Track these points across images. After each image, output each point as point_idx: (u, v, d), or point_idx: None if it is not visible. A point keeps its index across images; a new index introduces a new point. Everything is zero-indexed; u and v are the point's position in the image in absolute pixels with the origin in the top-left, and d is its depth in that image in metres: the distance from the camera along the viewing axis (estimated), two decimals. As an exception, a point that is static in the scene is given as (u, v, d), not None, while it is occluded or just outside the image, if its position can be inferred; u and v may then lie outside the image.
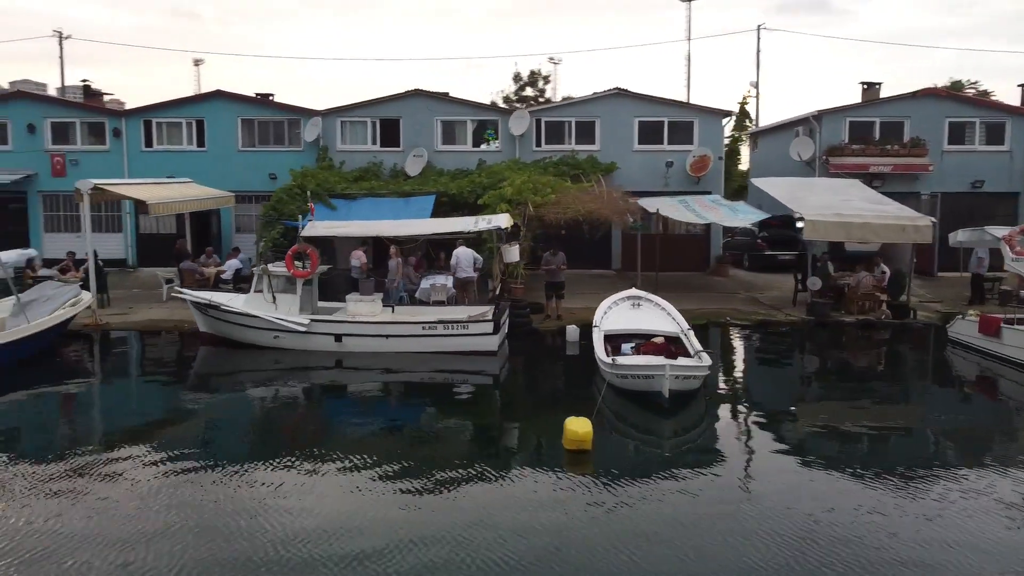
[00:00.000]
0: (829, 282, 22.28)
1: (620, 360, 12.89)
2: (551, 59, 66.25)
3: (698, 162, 28.18)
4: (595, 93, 29.27)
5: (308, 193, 21.69)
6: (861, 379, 16.41)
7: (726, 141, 32.40)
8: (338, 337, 16.88)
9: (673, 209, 23.39)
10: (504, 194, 22.33)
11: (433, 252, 22.60)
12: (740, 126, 44.39)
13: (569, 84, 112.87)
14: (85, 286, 19.46)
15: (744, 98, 51.36)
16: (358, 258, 21.28)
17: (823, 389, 15.98)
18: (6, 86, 44.18)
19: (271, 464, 10.23)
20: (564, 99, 29.91)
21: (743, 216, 23.99)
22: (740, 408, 13.80)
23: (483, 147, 28.73)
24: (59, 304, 17.46)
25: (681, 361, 13.17)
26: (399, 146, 28.45)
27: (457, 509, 8.83)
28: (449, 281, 20.36)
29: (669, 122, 28.72)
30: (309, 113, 28.35)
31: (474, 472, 10.06)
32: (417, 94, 28.54)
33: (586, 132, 28.74)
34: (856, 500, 9.11)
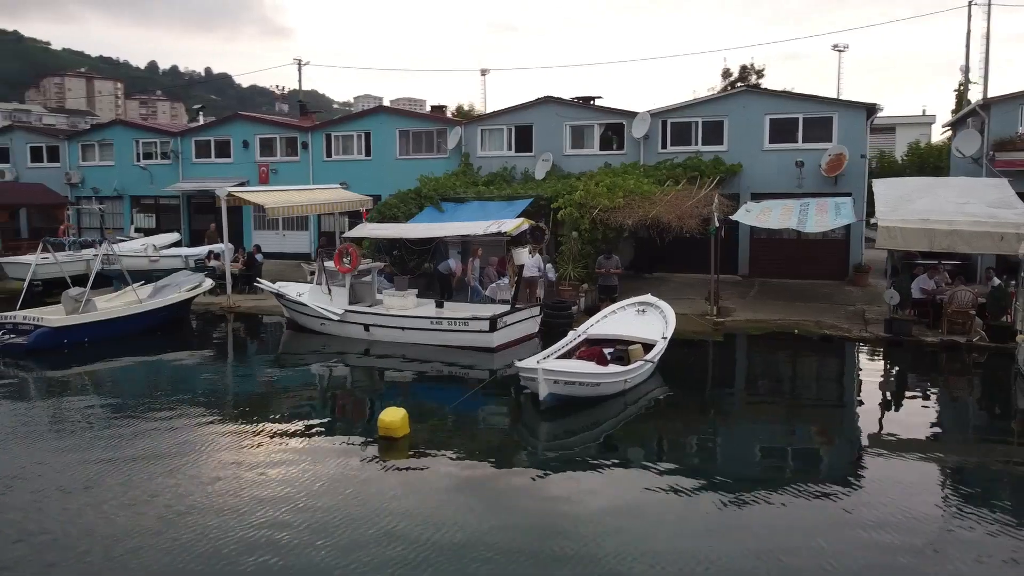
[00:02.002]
0: (926, 295, 19.94)
1: (517, 363, 13.45)
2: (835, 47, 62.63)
3: (833, 161, 26.12)
4: (724, 91, 28.29)
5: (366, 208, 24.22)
6: (813, 403, 14.97)
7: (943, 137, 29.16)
8: (367, 327, 19.11)
9: (745, 214, 22.29)
10: (574, 199, 22.97)
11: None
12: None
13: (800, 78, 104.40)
14: (251, 274, 24.09)
15: (961, 85, 44.86)
16: (452, 259, 23.56)
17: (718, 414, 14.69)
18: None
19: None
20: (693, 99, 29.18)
21: (841, 220, 22.10)
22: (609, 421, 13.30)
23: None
24: (186, 287, 21.83)
25: (560, 366, 13.37)
26: (531, 151, 29.98)
27: (268, 481, 10.51)
28: (504, 282, 21.72)
29: (804, 119, 26.91)
30: (453, 122, 31.00)
31: (289, 449, 11.66)
32: (547, 101, 29.85)
33: (713, 132, 27.96)
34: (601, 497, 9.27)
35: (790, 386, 16.82)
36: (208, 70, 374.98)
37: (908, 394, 15.92)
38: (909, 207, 20.14)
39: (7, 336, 17.91)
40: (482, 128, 30.86)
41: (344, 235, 20.06)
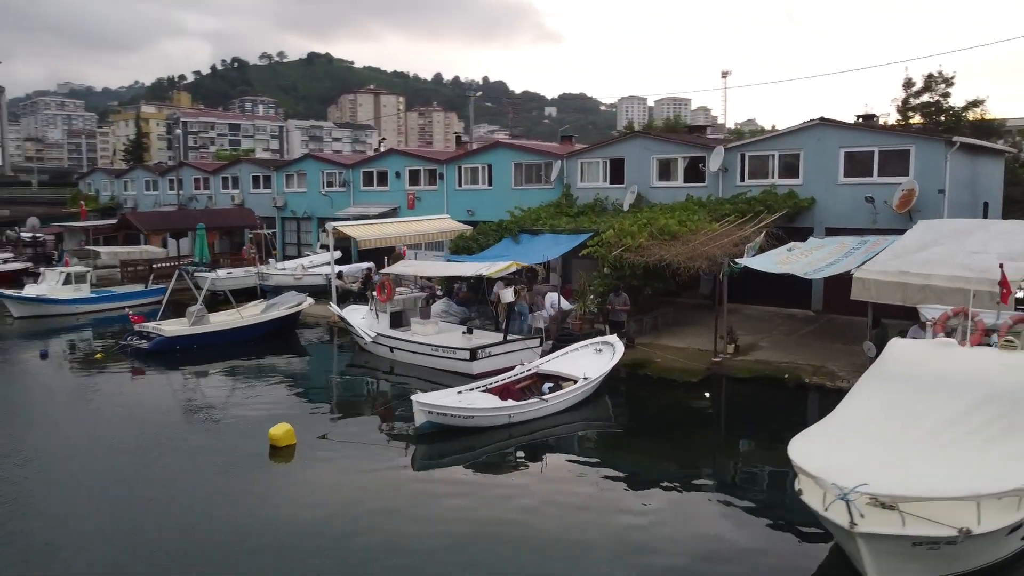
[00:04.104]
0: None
1: (412, 396, 16.23)
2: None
3: (905, 197, 25.12)
4: (799, 124, 28.05)
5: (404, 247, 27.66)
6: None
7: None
8: (391, 349, 22.80)
9: (754, 259, 22.56)
10: (605, 237, 24.75)
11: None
12: None
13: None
14: (367, 292, 28.92)
15: None
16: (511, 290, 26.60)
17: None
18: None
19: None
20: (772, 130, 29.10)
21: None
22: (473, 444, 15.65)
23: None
24: (287, 306, 27.09)
25: (434, 400, 15.92)
26: (623, 183, 31.78)
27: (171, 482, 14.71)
28: (547, 313, 24.28)
29: (880, 151, 26.03)
30: (556, 156, 33.65)
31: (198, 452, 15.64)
32: (636, 135, 31.44)
33: (790, 165, 27.89)
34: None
35: (685, 429, 17.79)
36: (485, 78, 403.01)
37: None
38: (916, 256, 19.67)
39: (136, 340, 24.06)
40: (581, 161, 33.14)
41: (382, 271, 23.90)
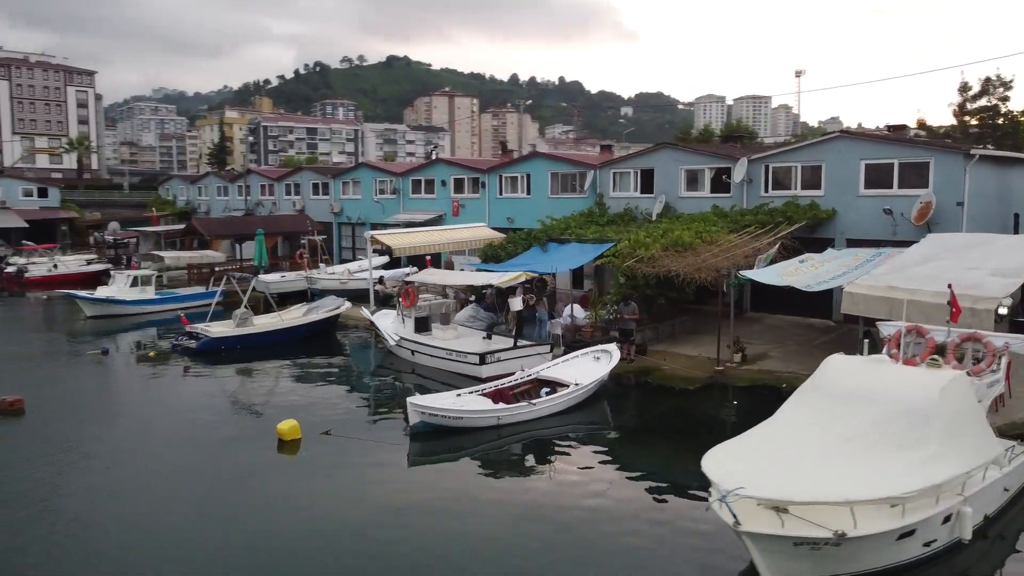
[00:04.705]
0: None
1: (408, 399, 17.66)
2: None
3: (922, 209, 25.26)
4: (821, 136, 28.32)
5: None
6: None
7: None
8: (412, 352, 24.35)
9: (760, 272, 23.12)
10: (619, 248, 25.71)
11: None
12: None
13: None
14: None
15: None
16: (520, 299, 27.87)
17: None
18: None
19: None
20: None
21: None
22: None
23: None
24: (325, 309, 29.04)
25: (426, 402, 17.29)
26: (652, 192, 32.60)
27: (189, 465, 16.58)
28: (565, 321, 25.49)
29: (900, 164, 26.19)
30: (588, 166, 34.69)
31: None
32: (665, 146, 32.20)
33: (812, 177, 28.24)
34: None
35: (673, 434, 18.72)
36: (561, 78, 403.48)
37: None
38: (912, 270, 20.13)
39: (186, 340, 26.31)
40: (614, 171, 34.06)
41: (405, 279, 25.52)
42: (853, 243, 26.48)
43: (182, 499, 13.99)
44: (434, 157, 50.14)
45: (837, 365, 12.73)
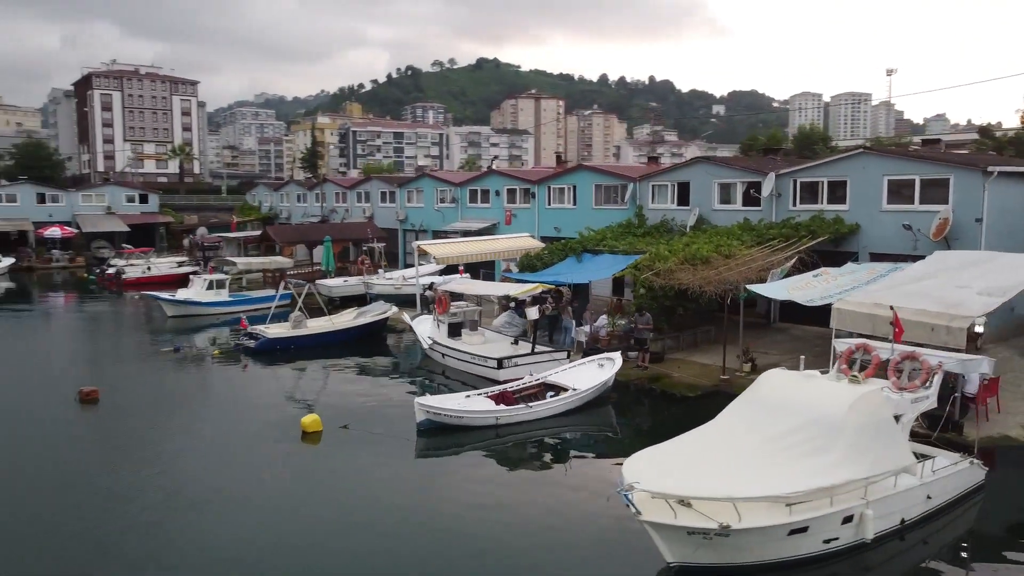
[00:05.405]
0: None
1: (416, 399, 19.71)
2: None
3: (940, 225, 25.74)
4: (845, 153, 28.96)
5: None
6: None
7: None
8: (443, 355, 26.49)
9: (768, 286, 24.10)
10: (640, 261, 27.14)
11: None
12: None
13: None
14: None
15: None
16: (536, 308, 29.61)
17: None
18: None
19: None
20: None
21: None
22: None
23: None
24: (373, 313, 31.56)
25: (431, 401, 19.28)
26: (688, 205, 33.79)
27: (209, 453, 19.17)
28: (588, 328, 27.21)
29: (921, 180, 26.69)
30: (632, 179, 36.11)
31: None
32: (700, 160, 33.33)
33: (837, 192, 28.95)
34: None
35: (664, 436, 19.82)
36: (651, 78, 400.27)
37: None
38: (904, 287, 20.97)
39: (246, 340, 29.24)
40: (652, 184, 35.37)
41: (438, 287, 27.68)
42: (876, 257, 27.14)
43: (206, 479, 16.47)
44: (495, 167, 52.26)
45: (772, 379, 14.08)
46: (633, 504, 11.25)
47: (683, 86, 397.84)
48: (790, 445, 12.35)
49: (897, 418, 13.29)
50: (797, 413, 12.83)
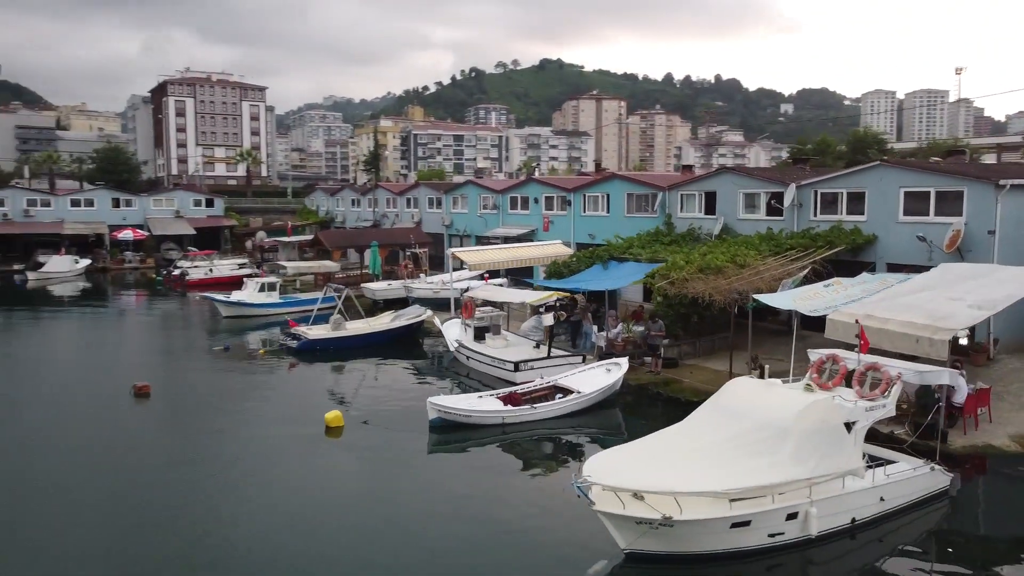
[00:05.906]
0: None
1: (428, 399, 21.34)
2: None
3: (952, 237, 26.21)
4: (863, 165, 29.51)
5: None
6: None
7: None
8: (467, 357, 28.13)
9: (774, 296, 24.91)
10: (658, 270, 28.27)
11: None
12: None
13: None
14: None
15: None
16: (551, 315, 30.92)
17: None
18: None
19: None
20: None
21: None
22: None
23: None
24: (408, 316, 33.44)
25: (442, 401, 20.87)
26: (715, 214, 34.71)
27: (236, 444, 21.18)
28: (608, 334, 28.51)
29: (936, 192, 27.15)
30: (661, 188, 37.17)
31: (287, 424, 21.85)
32: (725, 170, 34.20)
33: (856, 203, 29.52)
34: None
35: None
36: (717, 76, 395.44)
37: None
38: (901, 299, 21.75)
39: (290, 340, 31.44)
40: (681, 193, 36.36)
41: (465, 292, 29.35)
42: (893, 268, 27.66)
43: (232, 468, 18.45)
44: (536, 175, 53.67)
45: (736, 386, 15.26)
46: (586, 495, 12.65)
47: (750, 84, 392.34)
48: (739, 446, 13.53)
49: (850, 425, 14.28)
50: (751, 417, 13.99)
